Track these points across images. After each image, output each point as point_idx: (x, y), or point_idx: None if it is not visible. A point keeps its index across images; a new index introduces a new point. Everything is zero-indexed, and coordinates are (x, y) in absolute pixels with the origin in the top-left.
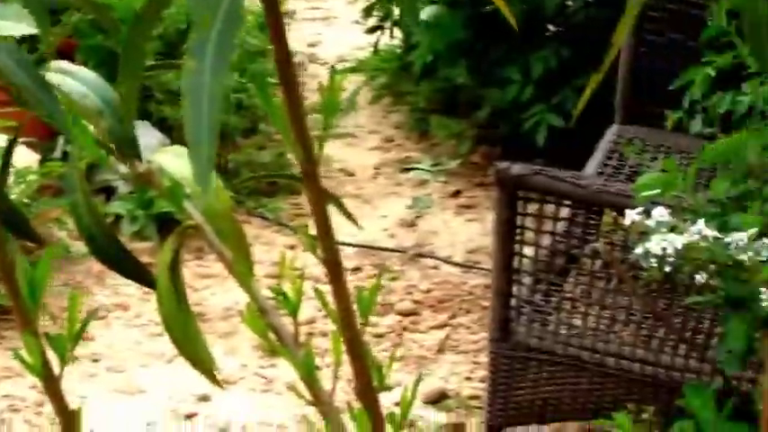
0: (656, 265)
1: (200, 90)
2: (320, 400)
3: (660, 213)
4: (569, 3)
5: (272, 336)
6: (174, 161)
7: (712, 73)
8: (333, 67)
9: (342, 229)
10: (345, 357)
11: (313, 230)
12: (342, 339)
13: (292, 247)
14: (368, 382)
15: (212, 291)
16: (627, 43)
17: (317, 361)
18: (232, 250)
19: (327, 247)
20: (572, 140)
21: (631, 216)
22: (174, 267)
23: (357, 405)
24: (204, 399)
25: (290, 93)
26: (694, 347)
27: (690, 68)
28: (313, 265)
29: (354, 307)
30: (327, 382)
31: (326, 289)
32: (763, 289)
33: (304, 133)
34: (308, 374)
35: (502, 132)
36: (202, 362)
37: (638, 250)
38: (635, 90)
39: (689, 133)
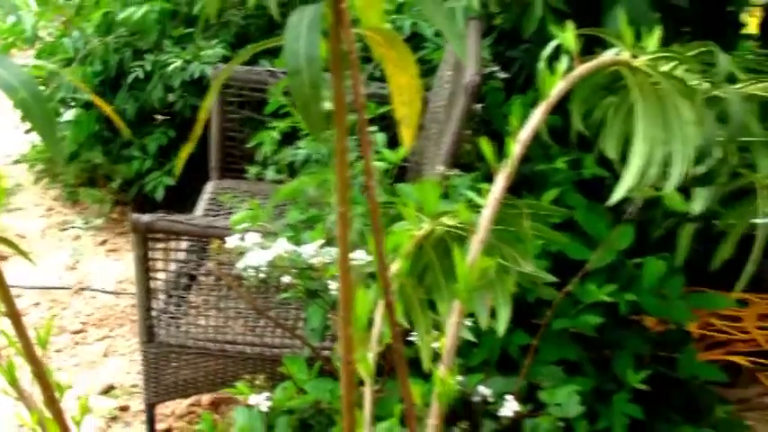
0: (254, 273)
1: None
2: (25, 398)
3: (252, 238)
4: (170, 97)
5: None
6: None
7: (276, 135)
8: None
9: (22, 277)
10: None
11: None
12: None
13: None
14: (51, 396)
15: None
16: (216, 120)
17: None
18: None
19: (6, 303)
20: (183, 195)
21: (232, 241)
22: None
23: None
24: None
25: None
26: (287, 330)
27: (260, 132)
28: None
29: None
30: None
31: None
32: (329, 282)
33: None
34: (12, 380)
35: (131, 195)
36: None
37: (240, 265)
38: (224, 153)
39: (265, 180)
